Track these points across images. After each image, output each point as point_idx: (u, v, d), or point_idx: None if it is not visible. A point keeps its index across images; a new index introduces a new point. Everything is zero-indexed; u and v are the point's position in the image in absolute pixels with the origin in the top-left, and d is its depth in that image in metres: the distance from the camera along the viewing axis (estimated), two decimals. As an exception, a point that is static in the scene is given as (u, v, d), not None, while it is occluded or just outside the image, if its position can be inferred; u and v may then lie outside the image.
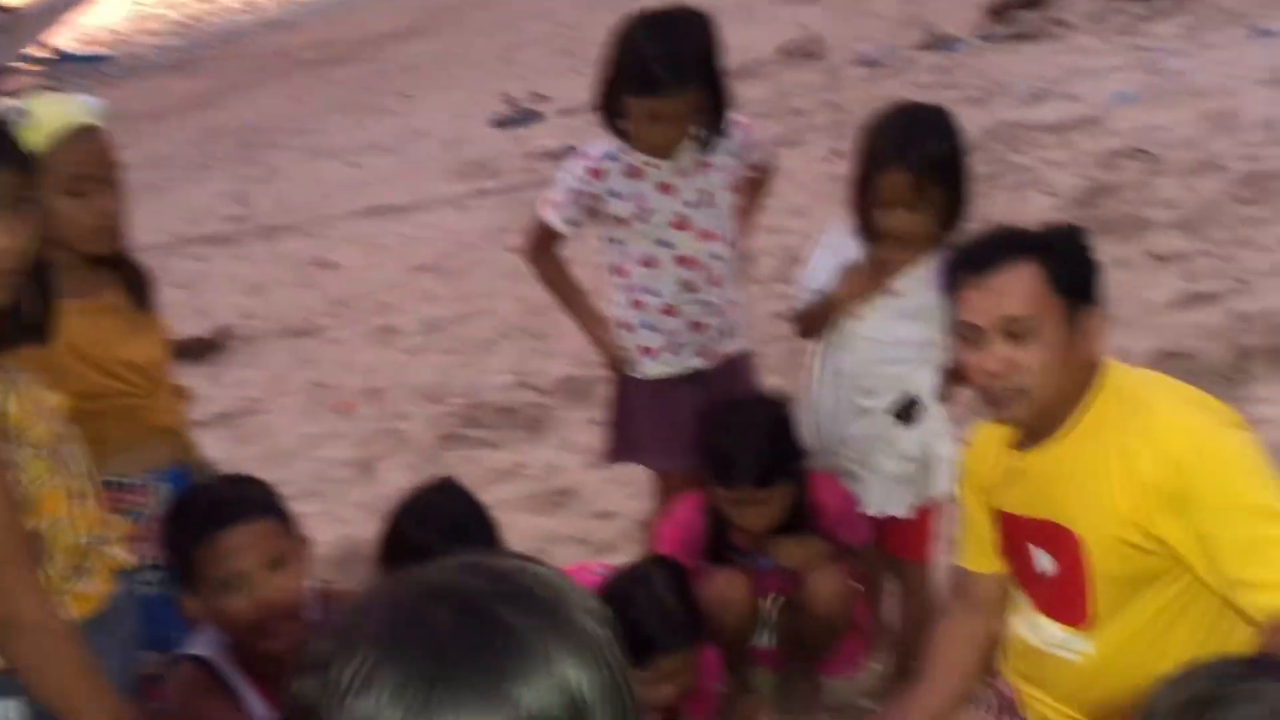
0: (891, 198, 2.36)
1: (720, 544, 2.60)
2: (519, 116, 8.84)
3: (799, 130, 7.23)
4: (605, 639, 0.82)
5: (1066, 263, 1.90)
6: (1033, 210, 5.36)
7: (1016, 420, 1.93)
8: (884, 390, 2.52)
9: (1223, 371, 3.74)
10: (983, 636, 2.17)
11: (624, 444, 2.94)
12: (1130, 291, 4.42)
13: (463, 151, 8.47)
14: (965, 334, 1.91)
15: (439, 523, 2.21)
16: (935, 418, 2.50)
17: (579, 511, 3.79)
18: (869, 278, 2.46)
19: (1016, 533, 2.04)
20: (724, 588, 2.57)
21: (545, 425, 4.44)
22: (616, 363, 2.84)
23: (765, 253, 5.64)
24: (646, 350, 2.79)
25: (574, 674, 0.78)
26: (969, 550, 2.19)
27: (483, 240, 6.73)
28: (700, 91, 2.51)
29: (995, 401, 1.91)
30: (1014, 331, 1.84)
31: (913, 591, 2.75)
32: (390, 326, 5.68)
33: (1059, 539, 1.91)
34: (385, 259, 6.73)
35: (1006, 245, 1.90)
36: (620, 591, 2.36)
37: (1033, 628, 2.03)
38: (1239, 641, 1.88)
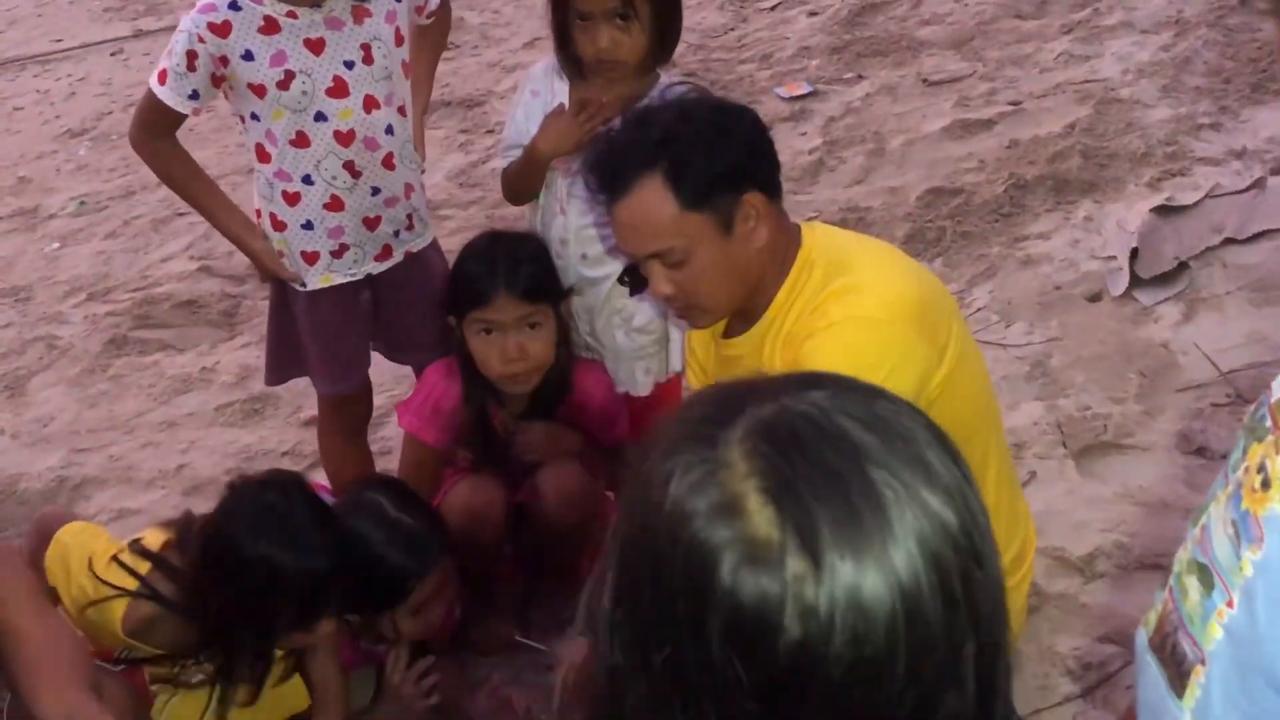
0: (594, 7, 2.33)
1: (482, 428, 2.61)
2: (186, -64, 8.31)
3: (530, -53, 7.09)
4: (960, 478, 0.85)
5: (697, 161, 1.86)
6: (797, 31, 5.48)
7: (706, 327, 2.04)
8: (607, 258, 2.52)
9: (997, 207, 3.96)
10: None
11: (286, 361, 2.85)
12: (902, 123, 4.61)
13: (115, -17, 7.92)
14: (630, 259, 2.00)
15: (278, 533, 2.14)
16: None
17: (283, 419, 3.72)
18: (576, 123, 2.43)
19: None
20: (473, 499, 2.58)
21: (238, 319, 4.30)
22: (271, 273, 2.70)
23: (497, 95, 5.58)
24: (307, 255, 2.64)
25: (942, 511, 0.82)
26: None
27: (148, 95, 6.37)
28: None
29: (682, 316, 2.01)
30: (666, 263, 1.91)
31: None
32: (34, 209, 5.34)
33: None
34: (22, 124, 6.29)
35: (627, 164, 1.90)
36: (351, 530, 2.36)
37: None
38: None
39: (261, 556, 2.10)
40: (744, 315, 2.02)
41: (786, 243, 1.98)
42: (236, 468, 3.47)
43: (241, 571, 2.12)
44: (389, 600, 2.33)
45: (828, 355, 1.82)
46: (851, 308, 1.87)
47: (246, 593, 2.12)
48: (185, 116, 2.55)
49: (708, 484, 0.80)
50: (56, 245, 5.04)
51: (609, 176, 1.92)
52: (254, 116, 2.53)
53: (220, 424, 3.76)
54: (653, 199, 1.86)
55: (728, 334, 2.10)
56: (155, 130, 2.58)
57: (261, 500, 2.18)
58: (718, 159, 1.88)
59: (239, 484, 2.25)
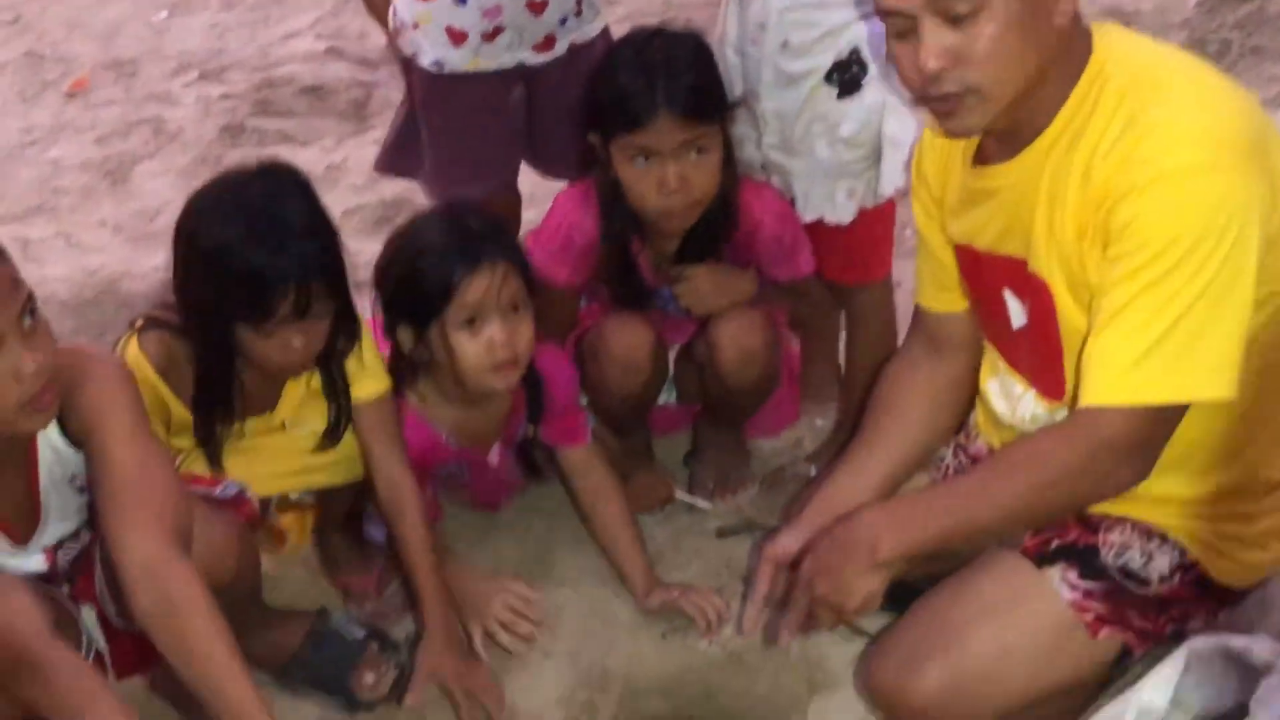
0: None
1: (624, 269, 2.61)
2: None
3: None
4: None
5: None
6: None
7: (972, 131, 1.90)
8: (815, 48, 2.46)
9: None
10: (945, 384, 2.21)
11: (409, 155, 2.89)
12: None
13: None
14: (890, 24, 1.83)
15: (258, 220, 2.16)
16: (883, 85, 2.45)
17: (418, 229, 3.75)
18: None
19: (984, 274, 2.04)
20: (615, 341, 2.58)
21: (369, 111, 4.34)
22: (403, 47, 2.73)
23: None
24: (454, 33, 2.64)
25: None
26: (924, 284, 2.21)
27: None
28: None
29: (943, 111, 1.86)
30: (952, 8, 1.75)
31: (860, 322, 2.79)
32: (140, -30, 5.43)
33: (1030, 285, 1.93)
34: None
35: None
36: (410, 224, 2.45)
37: (1007, 396, 2.08)
38: (1258, 427, 1.94)
39: (218, 242, 2.15)
40: (1009, 135, 1.90)
41: (1077, 40, 1.85)
42: (364, 281, 3.52)
43: (197, 254, 2.18)
44: (436, 302, 2.32)
45: (1157, 218, 1.74)
46: (1175, 153, 1.74)
47: (202, 276, 2.18)
48: None
49: None
50: (164, 14, 5.13)
51: None
52: None
53: (347, 231, 3.78)
54: None
55: (983, 159, 1.98)
56: None
57: (240, 186, 2.22)
58: None
59: (231, 170, 2.29)
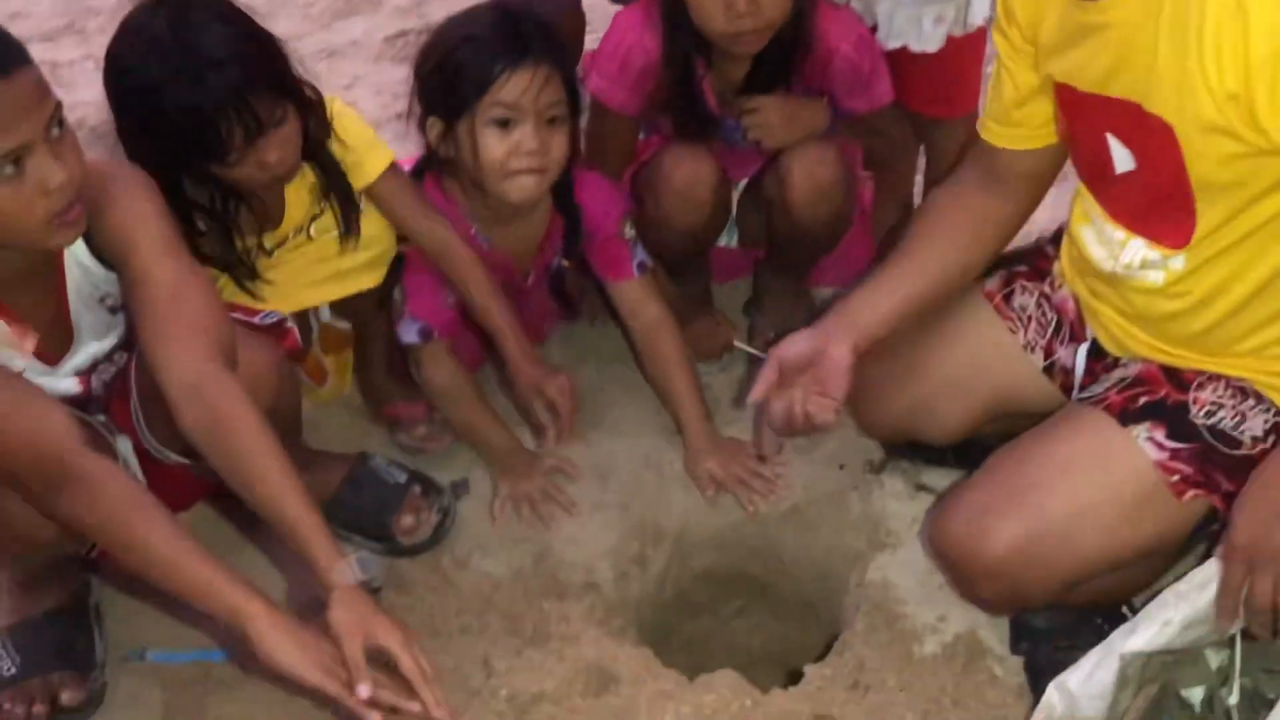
0: None
1: (686, 95, 2.54)
2: None
3: None
4: None
5: None
6: None
7: None
8: None
9: None
10: (992, 220, 2.17)
11: None
12: None
13: None
14: None
15: (170, 60, 2.10)
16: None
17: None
18: None
19: (1086, 116, 1.96)
20: (675, 173, 2.53)
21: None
22: None
23: None
24: None
25: None
26: (988, 117, 2.15)
27: None
28: None
29: None
30: None
31: (942, 159, 2.74)
32: None
33: (1144, 128, 1.84)
34: None
35: None
36: (465, 13, 2.37)
37: (1105, 242, 2.03)
38: None
39: (142, 97, 2.13)
40: None
41: None
42: (405, 112, 3.49)
43: (132, 114, 2.17)
44: (472, 94, 2.27)
45: None
46: None
47: (144, 134, 2.17)
48: None
49: None
50: None
51: None
52: None
53: (389, 58, 3.77)
54: None
55: None
56: None
57: (145, 27, 2.16)
58: None
59: (133, 10, 2.21)
